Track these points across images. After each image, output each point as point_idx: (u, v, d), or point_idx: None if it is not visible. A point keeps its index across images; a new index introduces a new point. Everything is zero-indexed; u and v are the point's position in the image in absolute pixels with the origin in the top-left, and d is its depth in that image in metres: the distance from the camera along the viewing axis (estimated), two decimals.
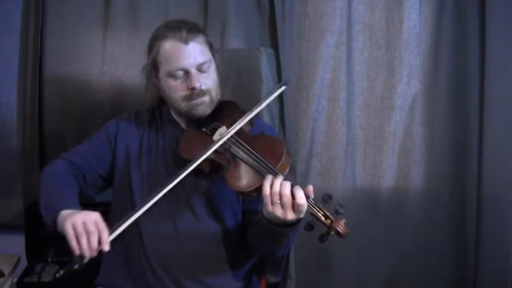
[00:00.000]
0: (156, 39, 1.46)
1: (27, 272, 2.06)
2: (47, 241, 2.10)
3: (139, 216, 1.44)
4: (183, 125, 1.53)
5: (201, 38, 1.45)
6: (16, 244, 2.18)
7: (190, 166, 1.33)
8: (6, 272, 1.83)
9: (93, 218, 1.24)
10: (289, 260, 2.06)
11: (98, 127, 2.12)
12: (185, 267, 1.40)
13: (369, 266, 2.28)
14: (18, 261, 2.02)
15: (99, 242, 1.22)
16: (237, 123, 1.39)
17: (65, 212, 1.29)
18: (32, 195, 2.16)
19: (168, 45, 1.43)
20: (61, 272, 1.28)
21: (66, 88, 2.17)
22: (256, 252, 1.51)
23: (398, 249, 2.28)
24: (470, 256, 2.26)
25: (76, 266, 1.24)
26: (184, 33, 1.42)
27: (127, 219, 1.28)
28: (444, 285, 2.29)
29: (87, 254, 1.21)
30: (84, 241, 1.21)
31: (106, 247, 1.23)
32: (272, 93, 1.45)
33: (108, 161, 1.51)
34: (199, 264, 1.41)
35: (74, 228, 1.22)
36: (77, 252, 1.22)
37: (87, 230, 1.22)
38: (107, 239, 1.23)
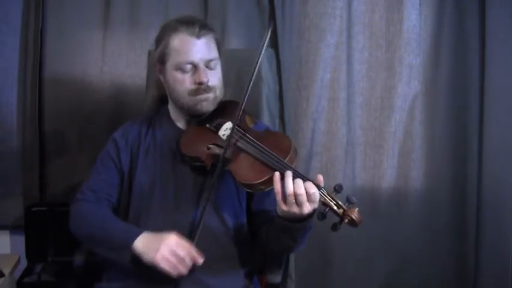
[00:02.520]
0: (166, 31, 1.46)
1: (27, 272, 2.06)
2: (47, 241, 2.10)
3: (138, 214, 1.46)
4: (181, 125, 1.53)
5: (211, 36, 1.47)
6: (16, 244, 2.18)
7: (219, 162, 1.34)
8: (6, 272, 1.84)
9: (175, 242, 1.29)
10: (289, 260, 2.06)
11: (97, 127, 2.15)
12: None
13: (369, 266, 2.28)
14: (18, 261, 2.02)
15: (192, 261, 1.29)
16: (244, 96, 1.38)
17: (140, 245, 1.31)
18: (32, 195, 2.16)
19: (180, 38, 1.43)
20: None
21: (66, 88, 2.17)
22: (270, 251, 1.51)
23: (398, 249, 2.28)
24: (470, 256, 2.25)
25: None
26: (197, 29, 1.43)
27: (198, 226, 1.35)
28: (444, 285, 2.29)
29: (186, 274, 1.29)
30: (181, 268, 1.27)
31: (200, 260, 1.29)
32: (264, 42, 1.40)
33: (120, 183, 1.52)
34: (200, 265, 1.41)
35: (167, 260, 1.27)
36: (177, 276, 1.28)
37: (178, 257, 1.27)
38: (197, 254, 1.29)
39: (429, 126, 2.26)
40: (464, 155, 2.24)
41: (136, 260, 1.31)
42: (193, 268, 1.30)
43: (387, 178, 2.27)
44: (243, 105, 1.38)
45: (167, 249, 1.27)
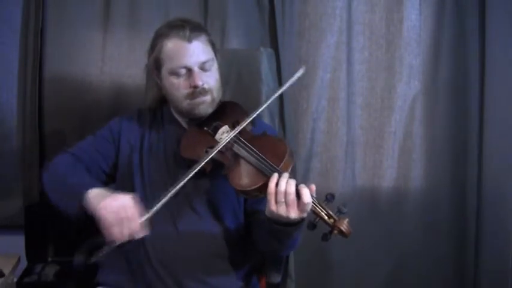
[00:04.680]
0: (158, 37, 1.47)
1: (27, 272, 2.06)
2: (47, 241, 2.10)
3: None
4: (184, 124, 1.53)
5: (203, 37, 1.46)
6: (16, 244, 2.18)
7: (200, 163, 1.32)
8: (6, 272, 1.84)
9: (126, 203, 1.21)
10: (289, 260, 2.06)
11: (97, 127, 2.15)
12: (186, 267, 1.40)
13: (369, 266, 2.28)
14: (18, 261, 2.02)
15: (132, 230, 1.20)
16: (245, 121, 1.38)
17: (93, 193, 1.26)
18: (32, 195, 2.16)
19: (172, 44, 1.43)
20: (92, 259, 1.25)
21: (66, 88, 2.17)
22: (261, 252, 1.51)
23: (398, 249, 2.28)
24: (470, 256, 2.26)
25: (105, 252, 1.24)
26: (187, 32, 1.42)
27: (158, 202, 1.25)
28: (444, 285, 2.29)
29: (119, 242, 1.20)
30: (117, 228, 1.19)
31: (140, 233, 1.21)
32: (287, 83, 1.44)
33: (112, 159, 1.51)
34: (200, 264, 1.41)
35: (108, 214, 1.19)
36: (109, 239, 1.20)
37: (121, 215, 1.19)
38: (140, 227, 1.21)
39: (429, 126, 2.26)
40: (464, 154, 2.24)
41: (83, 212, 1.26)
42: (131, 241, 1.20)
43: (387, 178, 2.27)
44: (248, 120, 1.39)
45: (115, 203, 1.20)
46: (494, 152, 2.20)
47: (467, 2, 2.19)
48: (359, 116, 2.26)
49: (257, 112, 1.41)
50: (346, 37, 2.22)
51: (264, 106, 1.43)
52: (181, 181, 1.29)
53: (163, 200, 1.26)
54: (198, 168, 1.31)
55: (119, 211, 1.19)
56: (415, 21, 2.22)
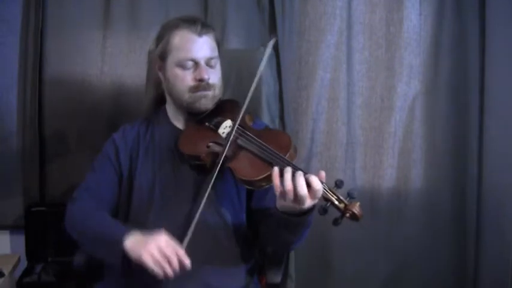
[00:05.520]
0: (168, 29, 1.48)
1: (27, 272, 2.06)
2: (47, 241, 2.10)
3: (139, 214, 1.46)
4: (179, 125, 1.53)
5: (212, 35, 1.49)
6: (16, 244, 2.18)
7: (219, 159, 1.34)
8: (6, 272, 1.84)
9: (164, 241, 1.27)
10: (289, 260, 2.06)
11: (97, 127, 2.15)
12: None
13: (369, 266, 2.28)
14: (18, 261, 2.03)
15: (179, 261, 1.25)
16: (246, 101, 1.40)
17: (129, 243, 1.29)
18: (32, 195, 2.16)
19: (182, 35, 1.45)
20: None
21: (66, 88, 2.18)
22: (269, 248, 1.51)
23: (398, 249, 2.28)
24: (470, 257, 2.25)
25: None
26: (199, 27, 1.45)
27: (190, 226, 1.32)
28: (444, 285, 2.29)
29: (172, 275, 1.25)
30: (167, 267, 1.24)
31: (187, 264, 1.26)
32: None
33: (117, 184, 1.52)
34: (199, 263, 1.41)
35: (153, 257, 1.24)
36: (162, 277, 1.25)
37: (165, 255, 1.24)
38: (185, 255, 1.26)
39: (429, 126, 2.26)
40: (465, 154, 2.24)
41: (126, 259, 1.29)
42: (181, 273, 1.26)
43: (387, 178, 2.27)
44: (246, 104, 1.39)
45: (155, 246, 1.24)
46: (494, 152, 2.20)
47: (467, 2, 2.19)
48: (359, 116, 2.25)
49: (252, 88, 1.42)
50: (346, 37, 2.22)
51: (253, 85, 1.44)
52: (207, 185, 1.33)
53: (195, 219, 1.32)
54: (220, 162, 1.33)
55: (163, 251, 1.24)
56: (415, 21, 2.22)
